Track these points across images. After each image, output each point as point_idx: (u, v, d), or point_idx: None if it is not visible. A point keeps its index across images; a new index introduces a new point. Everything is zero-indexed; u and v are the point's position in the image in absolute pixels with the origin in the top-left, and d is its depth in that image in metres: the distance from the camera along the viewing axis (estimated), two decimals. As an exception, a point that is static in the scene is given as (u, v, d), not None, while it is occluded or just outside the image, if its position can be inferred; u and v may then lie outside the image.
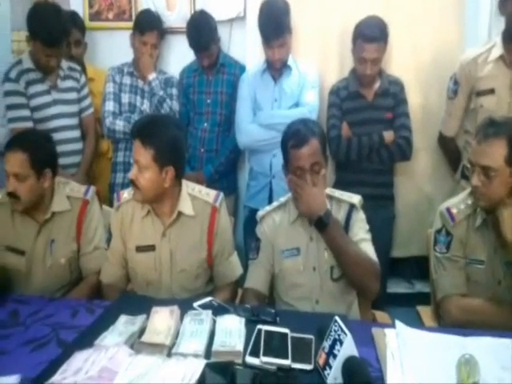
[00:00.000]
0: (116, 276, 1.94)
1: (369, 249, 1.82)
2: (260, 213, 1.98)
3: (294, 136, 1.81)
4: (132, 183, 1.80)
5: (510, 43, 2.33)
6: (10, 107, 2.59)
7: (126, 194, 1.95)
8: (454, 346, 1.38)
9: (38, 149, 1.93)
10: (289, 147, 1.81)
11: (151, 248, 1.89)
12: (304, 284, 1.84)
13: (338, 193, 1.92)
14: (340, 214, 1.86)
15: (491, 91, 2.37)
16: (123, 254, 1.93)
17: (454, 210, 1.80)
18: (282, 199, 1.98)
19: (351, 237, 1.82)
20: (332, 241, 1.76)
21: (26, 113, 2.57)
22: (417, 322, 1.92)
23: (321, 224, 1.75)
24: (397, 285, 3.05)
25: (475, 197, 1.73)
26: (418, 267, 2.89)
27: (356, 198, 1.89)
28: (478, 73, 2.40)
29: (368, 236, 1.86)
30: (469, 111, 2.50)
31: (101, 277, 1.96)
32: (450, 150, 2.74)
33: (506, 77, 2.35)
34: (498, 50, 2.36)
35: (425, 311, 2.01)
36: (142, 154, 1.75)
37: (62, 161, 2.11)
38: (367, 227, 1.88)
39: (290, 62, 2.66)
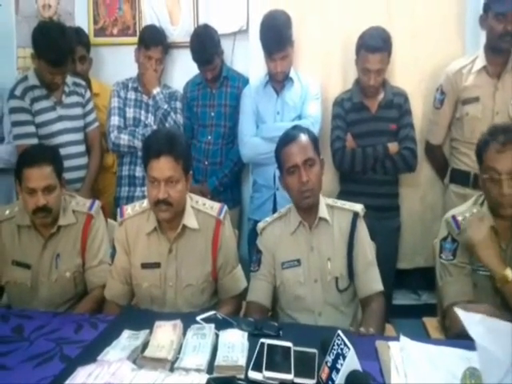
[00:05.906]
0: (119, 292, 1.93)
1: (376, 274, 1.84)
2: (260, 224, 1.98)
3: (283, 138, 1.86)
4: (160, 203, 1.75)
5: (491, 55, 2.48)
6: (15, 124, 2.62)
7: (130, 209, 1.94)
8: (458, 359, 1.37)
9: (57, 159, 2.00)
10: (280, 149, 1.84)
11: (157, 265, 1.88)
12: (305, 296, 1.83)
13: (340, 203, 1.93)
14: (344, 223, 1.86)
15: (476, 99, 2.49)
16: (127, 270, 1.92)
17: (460, 218, 1.80)
18: (283, 210, 1.98)
19: (358, 251, 1.82)
20: None
21: (31, 129, 2.59)
22: (423, 334, 1.89)
23: None
24: (403, 296, 3.02)
25: (502, 206, 1.69)
26: (424, 278, 2.86)
27: (358, 207, 1.89)
28: (464, 82, 2.52)
29: (373, 255, 1.86)
30: (455, 119, 2.61)
31: (105, 292, 1.96)
32: (437, 157, 2.81)
33: (490, 85, 2.48)
34: (481, 62, 2.50)
35: (431, 323, 1.98)
36: (175, 169, 1.74)
37: (67, 176, 2.12)
38: (370, 241, 1.88)
39: (291, 75, 2.66)
